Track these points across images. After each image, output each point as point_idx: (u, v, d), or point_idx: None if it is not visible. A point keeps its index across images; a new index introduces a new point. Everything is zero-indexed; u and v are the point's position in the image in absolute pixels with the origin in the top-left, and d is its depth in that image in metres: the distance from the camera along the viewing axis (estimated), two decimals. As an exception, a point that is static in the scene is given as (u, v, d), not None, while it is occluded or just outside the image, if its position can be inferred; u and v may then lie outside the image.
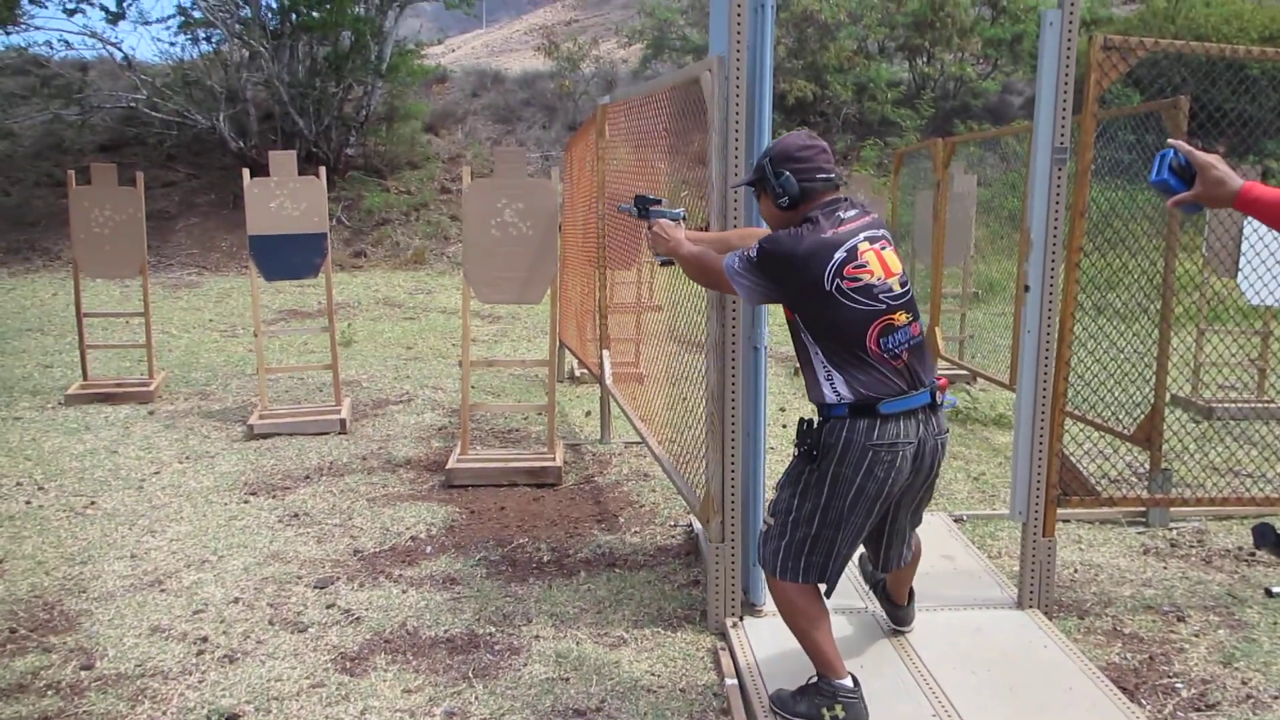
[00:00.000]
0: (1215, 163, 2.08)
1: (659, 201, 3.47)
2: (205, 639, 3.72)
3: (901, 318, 2.93)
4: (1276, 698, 3.33)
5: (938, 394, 3.01)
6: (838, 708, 2.99)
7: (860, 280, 2.89)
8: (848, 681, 3.02)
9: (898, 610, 3.64)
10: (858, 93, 18.68)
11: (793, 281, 2.90)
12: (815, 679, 3.06)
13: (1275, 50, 4.37)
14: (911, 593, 3.64)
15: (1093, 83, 3.88)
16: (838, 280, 2.87)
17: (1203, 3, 18.32)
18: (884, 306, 2.90)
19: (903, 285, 2.97)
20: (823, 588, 3.09)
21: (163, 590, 4.15)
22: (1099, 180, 6.24)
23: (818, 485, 2.96)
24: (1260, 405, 7.15)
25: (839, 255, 2.88)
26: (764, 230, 3.26)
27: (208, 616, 3.91)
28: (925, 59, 19.78)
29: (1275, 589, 4.12)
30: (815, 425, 2.98)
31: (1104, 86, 3.91)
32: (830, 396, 2.94)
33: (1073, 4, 3.59)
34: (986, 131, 14.89)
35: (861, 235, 2.94)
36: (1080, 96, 3.78)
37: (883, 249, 2.97)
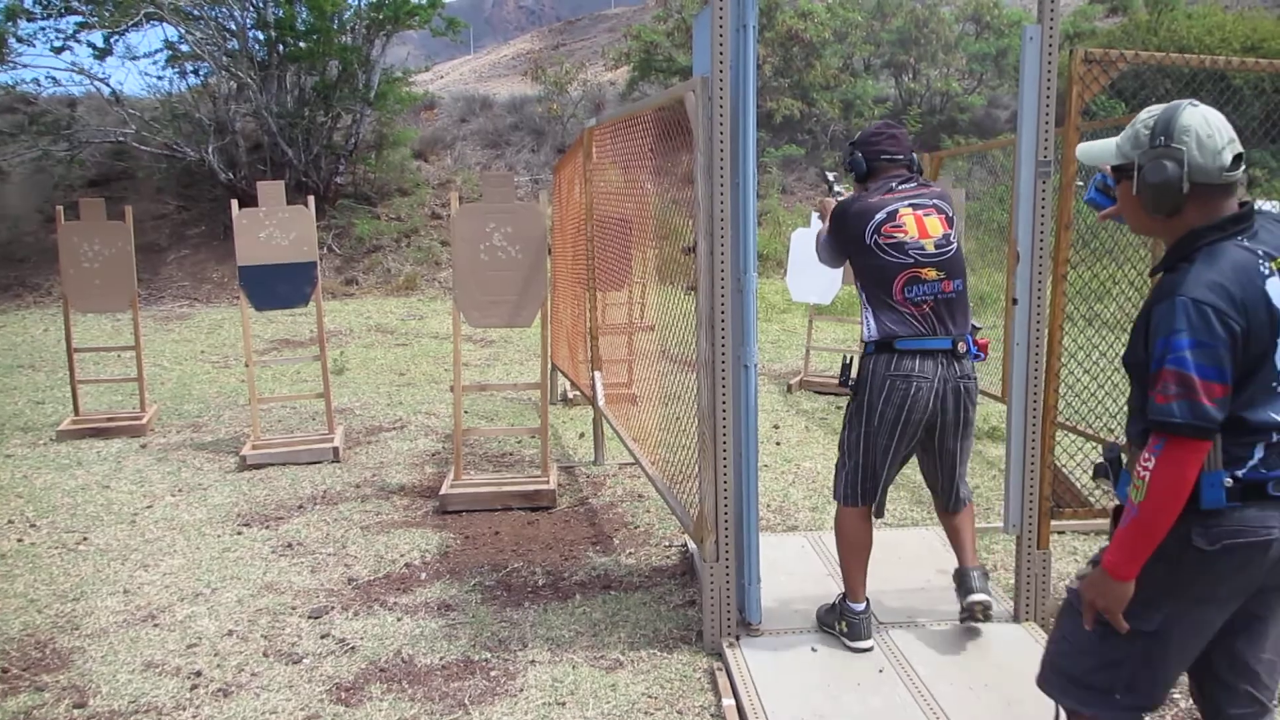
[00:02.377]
0: None
1: (831, 179, 4.26)
2: (199, 673, 3.69)
3: (930, 273, 3.54)
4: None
5: (960, 344, 3.56)
6: (843, 623, 3.70)
7: (894, 238, 3.54)
8: (859, 606, 3.69)
9: (966, 573, 3.77)
10: (844, 109, 18.78)
11: (845, 235, 3.64)
12: (840, 597, 3.76)
13: (1255, 60, 4.40)
14: (984, 568, 3.86)
15: (1074, 96, 3.90)
16: (875, 236, 3.55)
17: (1185, 15, 18.47)
18: (912, 261, 3.53)
19: (938, 247, 3.56)
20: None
21: (156, 625, 4.12)
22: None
23: (858, 414, 3.63)
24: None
25: (879, 216, 3.57)
26: None
27: (201, 650, 3.88)
28: (911, 75, 19.90)
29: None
30: (852, 362, 3.73)
31: (1086, 99, 3.93)
32: (867, 333, 3.61)
33: (1053, 19, 3.61)
34: (973, 145, 14.97)
35: (906, 201, 3.60)
36: (1063, 110, 3.81)
37: (926, 215, 3.59)
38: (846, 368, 3.75)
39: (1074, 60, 3.91)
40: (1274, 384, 2.14)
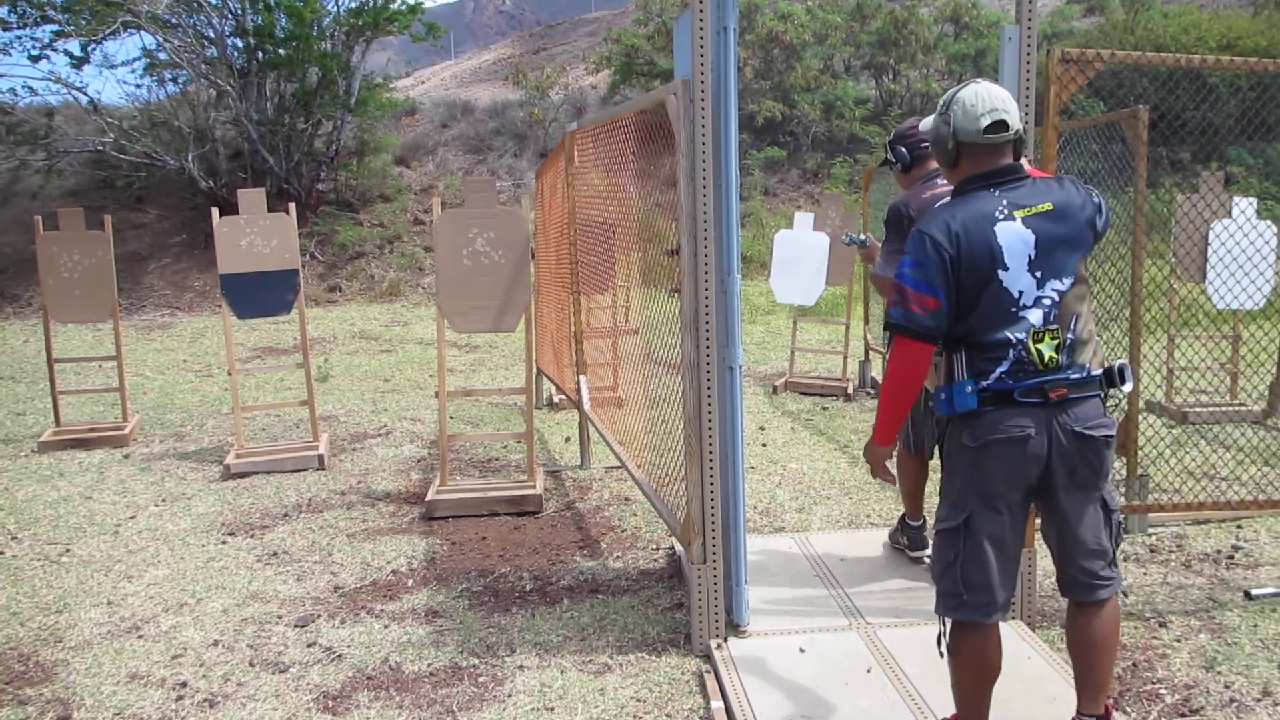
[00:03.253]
0: None
1: (854, 238, 4.62)
2: (184, 684, 3.67)
3: None
4: (1259, 700, 3.34)
5: None
6: (904, 537, 4.48)
7: None
8: (917, 522, 4.43)
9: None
10: (825, 111, 18.85)
11: (906, 230, 3.80)
12: (901, 518, 4.49)
13: (1231, 59, 4.44)
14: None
15: (1053, 95, 3.93)
16: None
17: (1161, 14, 18.62)
18: None
19: None
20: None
21: (140, 636, 4.09)
22: (1065, 190, 6.28)
23: None
24: (1233, 408, 7.22)
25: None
26: None
27: (187, 661, 3.86)
28: (891, 76, 19.99)
29: (1255, 591, 4.14)
30: None
31: (1064, 99, 3.96)
32: None
33: (1031, 19, 3.63)
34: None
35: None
36: (1042, 109, 3.83)
37: None
38: None
39: (1051, 60, 3.94)
40: (1013, 309, 2.63)
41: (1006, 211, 2.63)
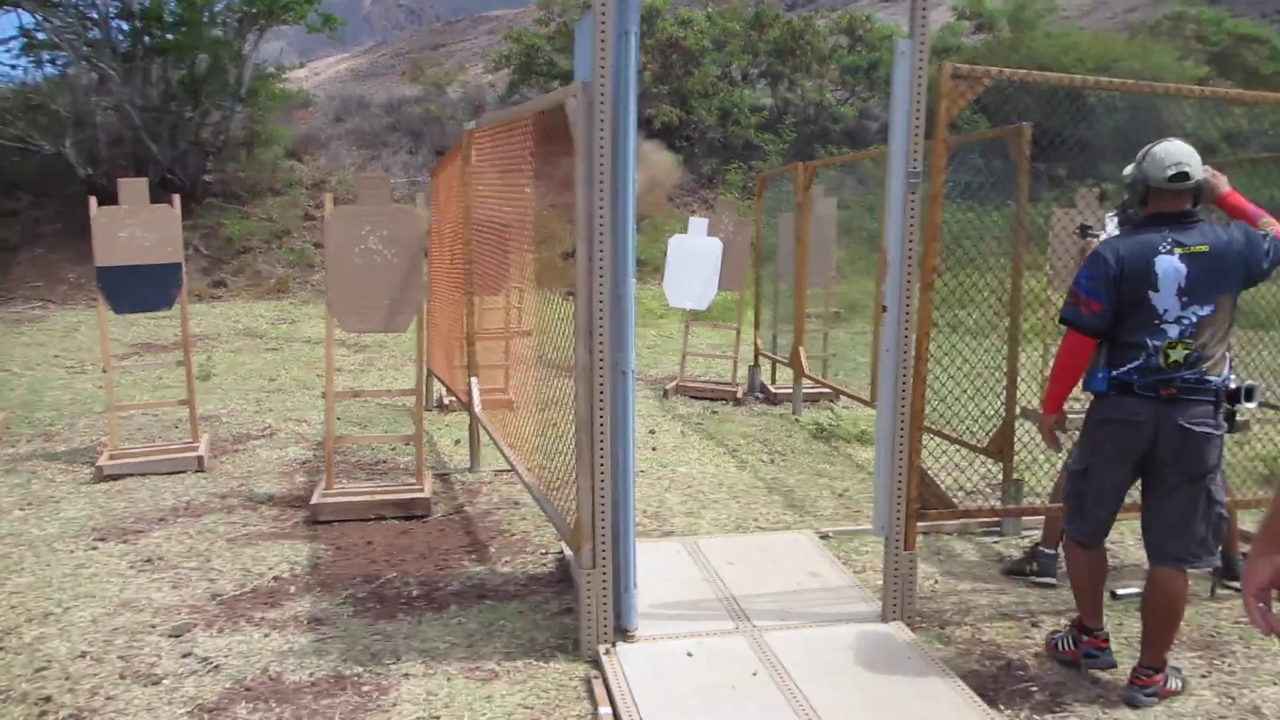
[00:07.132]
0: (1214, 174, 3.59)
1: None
2: (49, 699, 3.49)
3: None
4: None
5: None
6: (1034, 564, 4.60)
7: None
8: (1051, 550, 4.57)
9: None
10: (722, 118, 19.05)
11: None
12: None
13: (1109, 80, 4.62)
14: None
15: (943, 109, 4.03)
16: None
17: (1044, 34, 19.35)
18: None
19: None
20: None
21: (1, 648, 3.89)
22: (951, 203, 6.46)
23: None
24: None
25: None
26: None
27: (51, 674, 3.68)
28: (786, 85, 20.32)
29: (1120, 591, 4.32)
30: None
31: (954, 113, 4.06)
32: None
33: (923, 35, 3.72)
34: (845, 156, 15.33)
35: None
36: (931, 123, 3.92)
37: None
38: None
39: (942, 75, 4.03)
40: (1155, 321, 3.34)
41: (1169, 247, 3.35)
